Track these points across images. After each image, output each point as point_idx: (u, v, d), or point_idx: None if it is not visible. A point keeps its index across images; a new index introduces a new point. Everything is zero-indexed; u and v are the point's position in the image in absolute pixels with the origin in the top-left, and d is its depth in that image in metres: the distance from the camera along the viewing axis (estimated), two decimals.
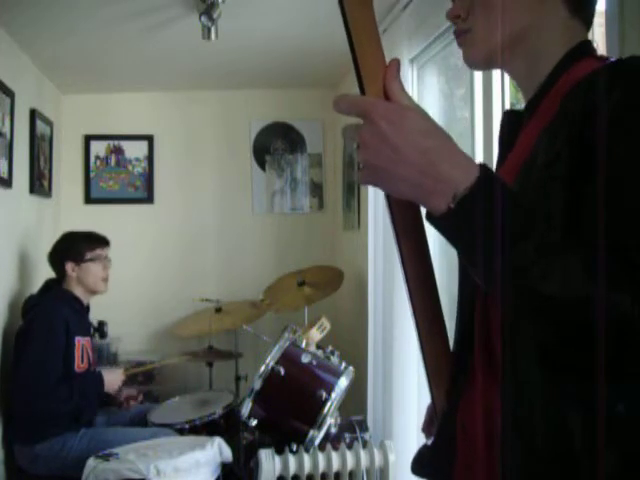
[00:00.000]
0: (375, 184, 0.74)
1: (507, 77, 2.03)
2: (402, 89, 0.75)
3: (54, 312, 2.81)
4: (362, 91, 0.76)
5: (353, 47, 0.75)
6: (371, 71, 0.76)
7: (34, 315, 2.80)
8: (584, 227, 0.70)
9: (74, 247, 2.96)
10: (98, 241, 3.02)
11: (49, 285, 2.99)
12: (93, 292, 3.01)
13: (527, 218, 0.69)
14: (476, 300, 0.87)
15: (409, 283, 0.87)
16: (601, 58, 0.86)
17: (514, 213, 0.68)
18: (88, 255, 2.95)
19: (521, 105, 0.96)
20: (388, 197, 0.81)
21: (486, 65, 0.96)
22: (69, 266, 2.92)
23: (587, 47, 0.87)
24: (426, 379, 0.95)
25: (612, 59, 0.84)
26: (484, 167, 0.70)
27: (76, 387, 2.76)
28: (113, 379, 2.92)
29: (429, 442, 1.00)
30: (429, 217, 0.73)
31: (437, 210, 0.70)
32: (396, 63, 0.76)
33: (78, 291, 2.95)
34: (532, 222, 0.68)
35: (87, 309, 3.05)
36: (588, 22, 0.89)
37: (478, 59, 0.91)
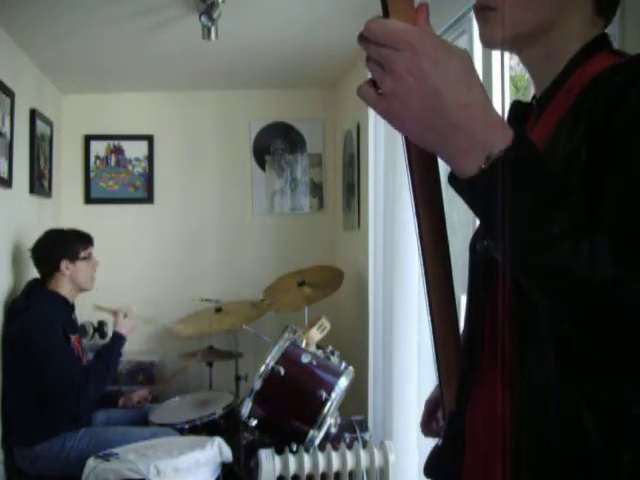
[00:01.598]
0: (391, 121, 0.66)
1: (507, 77, 2.03)
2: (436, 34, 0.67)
3: (49, 314, 2.79)
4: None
5: None
6: (400, 8, 0.67)
7: (27, 319, 2.75)
8: (603, 224, 0.67)
9: (70, 246, 2.96)
10: (88, 240, 3.05)
11: (33, 287, 2.95)
12: (82, 290, 3.02)
13: (561, 189, 0.65)
14: (487, 300, 0.85)
15: (423, 242, 0.79)
16: (618, 53, 0.85)
17: (548, 182, 0.64)
18: (82, 254, 2.98)
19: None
20: (407, 138, 0.71)
21: (504, 47, 0.91)
22: (64, 264, 2.92)
23: (603, 41, 0.86)
24: (437, 375, 0.93)
25: (629, 54, 0.83)
26: (519, 130, 0.65)
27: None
28: (130, 326, 3.06)
29: (439, 442, 0.99)
30: (452, 178, 0.67)
31: (465, 172, 0.64)
32: (426, 7, 0.68)
33: (66, 289, 2.94)
34: (565, 194, 0.65)
35: (72, 307, 3.05)
36: (609, 20, 0.89)
37: (499, 40, 0.86)
